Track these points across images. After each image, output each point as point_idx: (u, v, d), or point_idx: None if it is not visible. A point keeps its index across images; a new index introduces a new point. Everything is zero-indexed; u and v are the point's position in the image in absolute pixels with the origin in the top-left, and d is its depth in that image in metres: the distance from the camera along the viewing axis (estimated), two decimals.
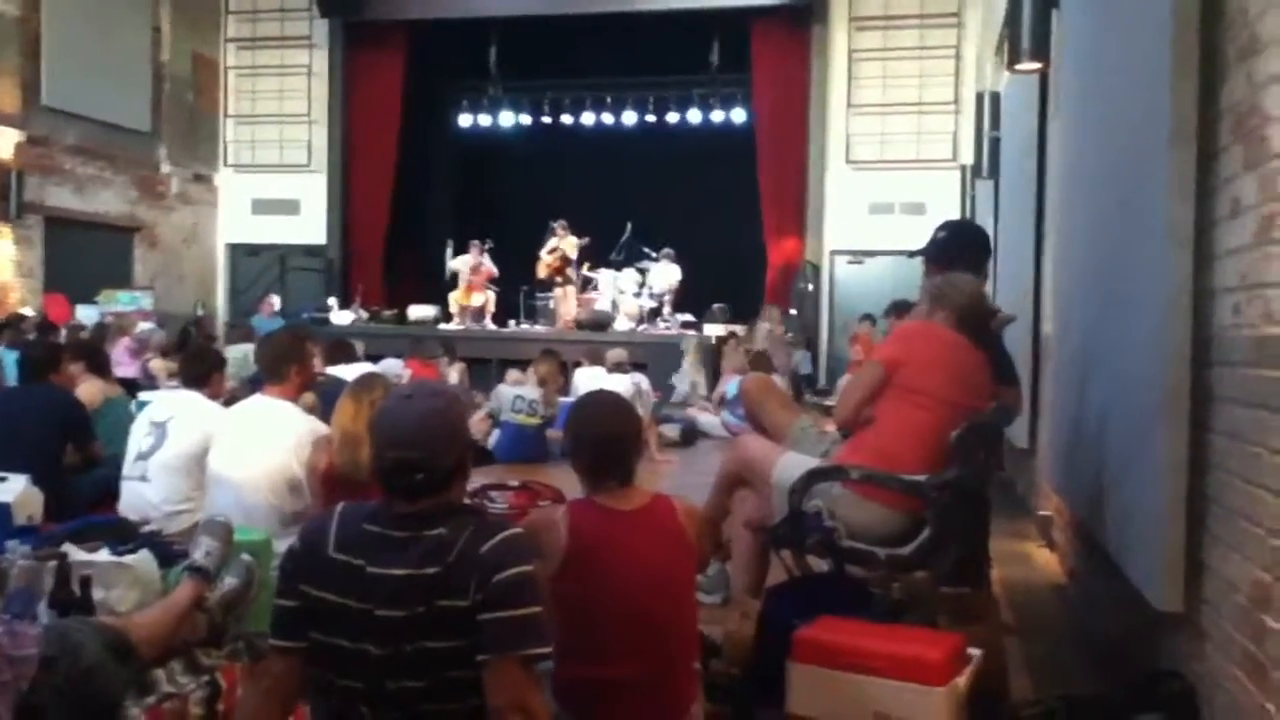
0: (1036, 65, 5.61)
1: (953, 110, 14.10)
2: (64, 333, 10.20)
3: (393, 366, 8.84)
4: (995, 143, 8.68)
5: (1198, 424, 2.64)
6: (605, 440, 2.54)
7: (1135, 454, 3.01)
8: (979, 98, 9.89)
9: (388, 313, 15.09)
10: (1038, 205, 6.06)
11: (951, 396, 3.20)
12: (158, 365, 9.31)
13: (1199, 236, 2.68)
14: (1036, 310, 5.98)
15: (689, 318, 14.22)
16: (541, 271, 14.54)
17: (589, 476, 2.55)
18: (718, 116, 17.05)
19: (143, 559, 3.45)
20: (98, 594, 3.19)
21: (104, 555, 3.41)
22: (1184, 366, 2.67)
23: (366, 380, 4.24)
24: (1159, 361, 2.74)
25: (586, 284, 14.72)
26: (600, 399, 2.75)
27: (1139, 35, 3.16)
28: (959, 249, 3.84)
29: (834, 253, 14.82)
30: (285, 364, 4.30)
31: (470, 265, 14.50)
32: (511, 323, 15.04)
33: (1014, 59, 5.78)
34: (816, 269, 14.73)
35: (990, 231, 8.16)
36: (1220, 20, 2.63)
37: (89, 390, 5.59)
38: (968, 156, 12.26)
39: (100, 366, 5.90)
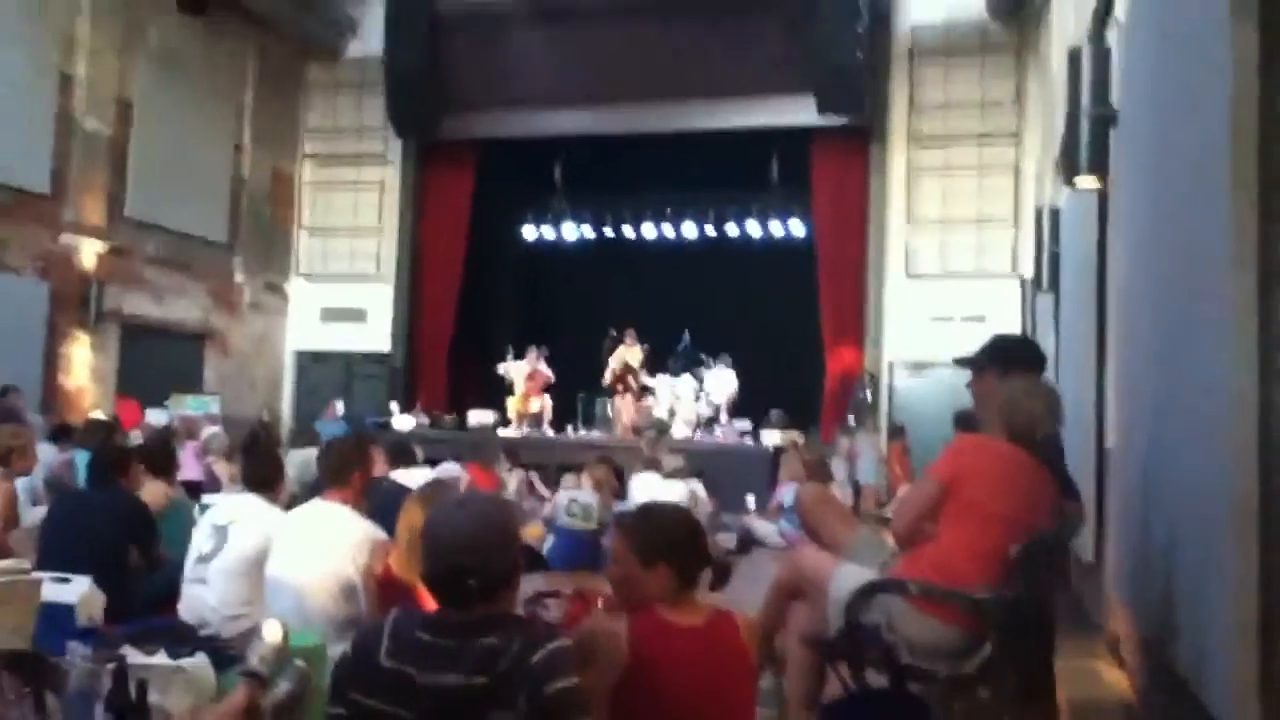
0: (1095, 182, 5.64)
1: (1012, 224, 14.12)
2: (135, 435, 10.43)
3: (450, 469, 8.90)
4: (1055, 257, 8.67)
5: (1268, 540, 2.57)
6: (690, 551, 2.50)
7: (1203, 570, 2.93)
8: (1039, 213, 9.94)
9: (448, 418, 15.26)
10: (1099, 319, 6.01)
11: (1012, 513, 3.14)
12: (221, 468, 9.47)
13: (1262, 352, 2.64)
14: (1100, 423, 5.88)
15: (746, 425, 14.19)
16: (608, 378, 14.70)
17: (667, 588, 2.48)
18: (777, 229, 17.26)
19: (199, 663, 3.47)
20: (153, 697, 3.21)
21: (161, 658, 3.43)
22: (1252, 483, 2.60)
23: (435, 486, 4.29)
24: (1226, 479, 2.68)
25: (645, 392, 14.81)
26: (671, 508, 2.73)
27: (1197, 152, 3.17)
28: (999, 356, 3.80)
29: (893, 363, 14.75)
30: (348, 469, 4.36)
31: (527, 371, 14.69)
32: (569, 429, 15.12)
33: (1072, 175, 5.82)
34: (875, 379, 14.65)
35: (1051, 345, 8.10)
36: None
37: (152, 493, 5.70)
38: (1027, 269, 12.24)
39: (163, 469, 6.01)
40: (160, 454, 6.19)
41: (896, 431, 13.20)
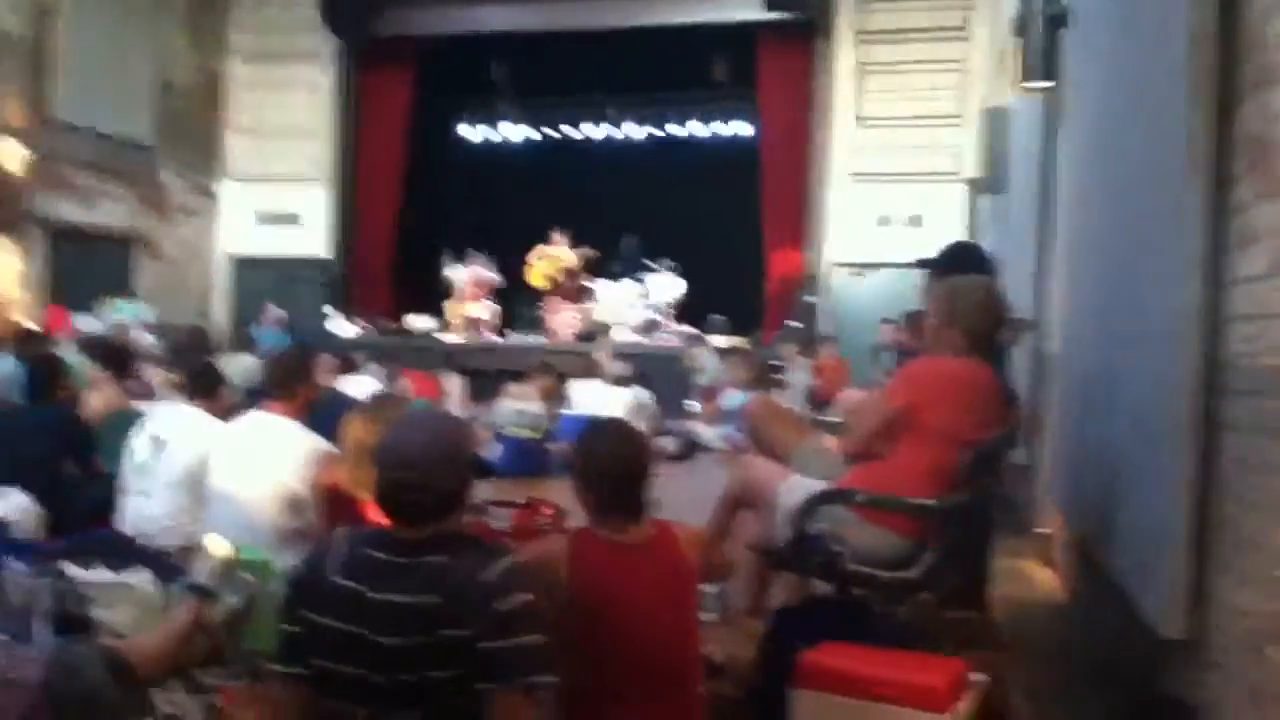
0: (1045, 84, 5.61)
1: (958, 124, 14.08)
2: (66, 343, 10.17)
3: (373, 371, 8.86)
4: (1002, 158, 8.66)
5: (1208, 451, 2.62)
6: (619, 477, 2.48)
7: (1142, 478, 2.99)
8: (985, 114, 9.88)
9: (388, 324, 15.10)
10: (1043, 223, 6.04)
11: (965, 432, 3.17)
12: (156, 376, 9.28)
13: (1211, 264, 2.66)
14: (1039, 328, 5.95)
15: (690, 330, 14.22)
16: (534, 279, 14.56)
17: (596, 510, 2.50)
18: (721, 129, 17.08)
19: (142, 577, 3.44)
20: (97, 613, 3.19)
21: (103, 573, 3.40)
22: (1195, 394, 2.64)
23: (380, 399, 4.24)
24: (1170, 387, 2.72)
25: (586, 295, 14.75)
26: (613, 429, 2.68)
27: (1153, 58, 3.14)
28: (959, 262, 3.85)
29: (835, 265, 14.79)
30: (293, 382, 4.29)
31: (468, 276, 14.53)
32: (510, 333, 15.05)
33: (1023, 77, 5.79)
34: (817, 281, 14.70)
35: (995, 247, 8.16)
36: (1237, 47, 2.61)
37: (102, 399, 5.57)
38: (972, 170, 12.25)
39: (120, 373, 5.88)
40: (117, 358, 6.04)
41: (825, 340, 13.10)
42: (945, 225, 12.56)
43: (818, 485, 3.28)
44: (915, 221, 13.74)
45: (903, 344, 8.00)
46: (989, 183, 9.19)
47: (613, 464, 2.50)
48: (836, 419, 6.32)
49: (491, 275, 14.64)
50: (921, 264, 4.03)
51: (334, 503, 3.98)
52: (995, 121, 9.05)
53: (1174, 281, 2.74)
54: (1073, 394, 4.51)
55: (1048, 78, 5.57)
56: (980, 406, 3.26)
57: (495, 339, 14.60)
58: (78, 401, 5.76)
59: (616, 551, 2.44)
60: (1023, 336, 3.81)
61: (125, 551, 3.72)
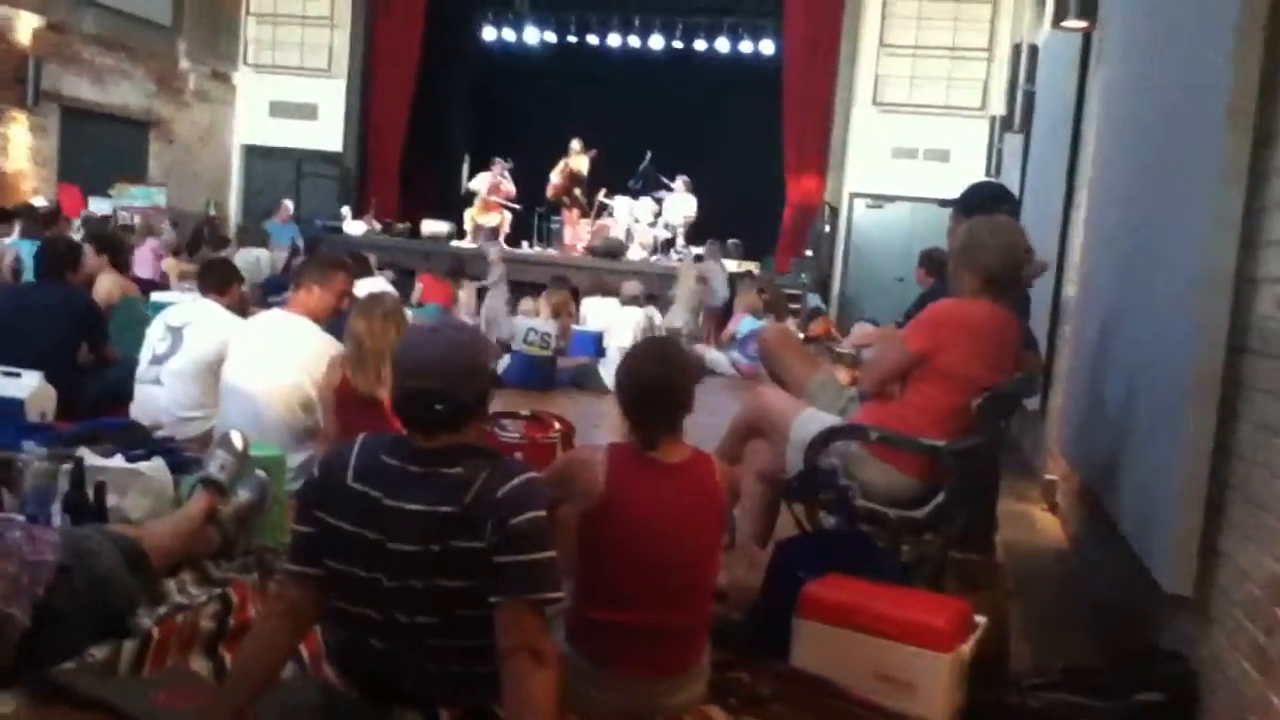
0: (1083, 24, 5.51)
1: (986, 59, 13.84)
2: (77, 225, 10.13)
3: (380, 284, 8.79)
4: (1030, 96, 8.52)
5: (1225, 410, 2.62)
6: (653, 398, 2.47)
7: (1157, 432, 2.99)
8: (1016, 49, 9.69)
9: (401, 226, 15.02)
10: (1070, 165, 5.97)
11: (981, 376, 3.16)
12: (169, 265, 9.26)
13: (1246, 221, 2.63)
14: (1059, 272, 5.92)
15: (702, 251, 14.15)
16: (552, 193, 14.47)
17: (633, 427, 2.50)
18: (746, 47, 16.78)
19: (156, 467, 3.46)
20: (110, 500, 3.21)
21: (118, 461, 3.42)
22: (1218, 352, 2.63)
23: (375, 297, 4.21)
24: (1192, 343, 2.70)
25: (602, 211, 14.64)
26: (655, 349, 2.66)
27: (1198, 6, 3.07)
28: (983, 202, 3.81)
29: (854, 195, 14.65)
30: (304, 280, 4.28)
31: (489, 184, 14.40)
32: (525, 244, 14.97)
33: (1060, 15, 5.67)
34: (835, 211, 14.58)
35: (1016, 187, 8.07)
36: None
37: (106, 286, 5.57)
38: (997, 106, 12.07)
39: (123, 263, 5.87)
40: (118, 247, 6.02)
41: (816, 313, 12.80)
42: (968, 161, 12.41)
43: (832, 419, 3.29)
44: (937, 155, 13.57)
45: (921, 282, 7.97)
46: (1014, 120, 9.05)
47: (649, 384, 2.48)
48: (846, 350, 6.31)
49: (508, 185, 14.52)
50: (945, 204, 3.99)
51: (342, 402, 3.98)
52: (1025, 58, 8.88)
53: (1203, 237, 2.71)
54: (1090, 342, 4.50)
55: (1086, 19, 5.47)
56: (996, 351, 3.25)
57: (508, 249, 14.54)
58: (90, 285, 5.76)
59: (651, 469, 2.45)
60: (1033, 278, 3.76)
61: (140, 440, 3.75)
